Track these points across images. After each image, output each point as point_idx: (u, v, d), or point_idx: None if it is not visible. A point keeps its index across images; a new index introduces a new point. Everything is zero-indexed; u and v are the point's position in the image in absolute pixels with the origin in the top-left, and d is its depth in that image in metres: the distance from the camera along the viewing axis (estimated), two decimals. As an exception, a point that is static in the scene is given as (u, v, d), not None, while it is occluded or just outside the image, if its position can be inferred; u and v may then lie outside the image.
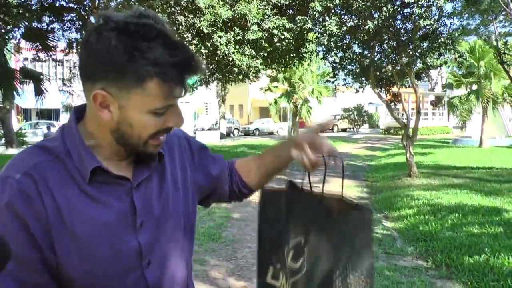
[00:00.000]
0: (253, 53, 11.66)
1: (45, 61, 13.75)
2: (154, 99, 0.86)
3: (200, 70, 0.89)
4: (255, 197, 1.18)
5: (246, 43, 11.49)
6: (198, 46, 11.32)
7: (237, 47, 11.28)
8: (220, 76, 13.89)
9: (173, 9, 10.68)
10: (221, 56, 11.52)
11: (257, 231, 1.11)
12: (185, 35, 11.03)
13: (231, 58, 11.18)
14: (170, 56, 0.83)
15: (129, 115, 0.87)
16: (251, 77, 14.51)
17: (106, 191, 0.92)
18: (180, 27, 10.84)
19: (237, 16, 10.81)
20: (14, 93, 12.42)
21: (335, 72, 11.61)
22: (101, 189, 0.91)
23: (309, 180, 1.05)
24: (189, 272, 1.09)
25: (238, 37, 11.10)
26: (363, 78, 11.58)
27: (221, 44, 10.73)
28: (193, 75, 0.89)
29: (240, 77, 13.55)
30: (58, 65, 14.22)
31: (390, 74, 11.01)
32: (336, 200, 0.99)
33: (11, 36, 13.03)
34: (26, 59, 14.08)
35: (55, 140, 0.94)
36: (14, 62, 16.27)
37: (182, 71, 0.86)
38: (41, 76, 12.90)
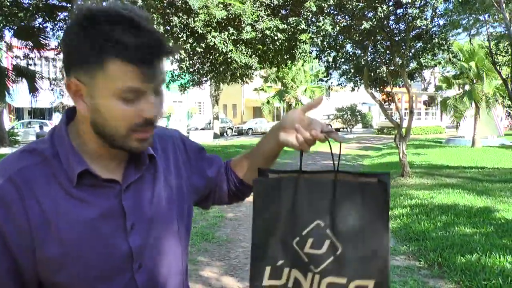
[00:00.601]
0: (249, 52, 11.66)
1: (35, 63, 13.66)
2: (117, 80, 0.82)
3: (170, 53, 0.86)
4: (249, 197, 1.16)
5: (241, 43, 11.49)
6: (193, 45, 11.29)
7: (233, 46, 11.28)
8: (215, 76, 13.88)
9: (167, 10, 10.65)
10: (216, 55, 11.51)
11: (252, 228, 1.00)
12: (179, 35, 11.00)
13: (228, 56, 11.16)
14: (135, 37, 0.81)
15: (98, 102, 0.85)
16: (244, 79, 14.51)
17: (94, 194, 0.90)
18: (175, 28, 10.82)
19: (231, 17, 10.80)
20: (6, 92, 12.31)
21: (328, 72, 11.64)
22: (89, 192, 0.89)
23: (300, 160, 1.01)
24: (184, 275, 1.06)
25: (233, 37, 11.09)
26: (357, 78, 11.62)
27: (219, 43, 10.71)
28: (162, 57, 0.85)
29: (238, 74, 13.54)
30: (51, 63, 14.13)
31: (384, 74, 11.06)
32: (335, 175, 0.96)
33: (3, 35, 12.93)
34: (17, 56, 13.96)
35: (44, 142, 0.93)
36: (6, 60, 16.16)
37: (148, 52, 0.82)
38: (36, 73, 12.82)
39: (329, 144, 0.98)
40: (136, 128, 0.87)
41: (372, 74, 11.07)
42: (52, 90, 15.79)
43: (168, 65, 14.81)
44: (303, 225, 0.94)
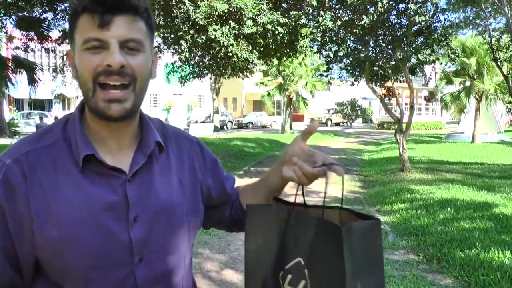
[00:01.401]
0: (250, 47, 11.61)
1: (34, 51, 13.65)
2: (83, 32, 0.88)
3: (130, 6, 0.88)
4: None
5: (242, 37, 11.44)
6: (194, 36, 11.24)
7: (234, 40, 11.22)
8: (215, 69, 13.84)
9: (168, 1, 10.59)
10: (217, 49, 11.46)
11: (244, 255, 0.99)
12: (181, 27, 10.95)
13: (229, 50, 11.11)
14: None
15: (76, 61, 0.90)
16: (245, 73, 14.47)
17: (98, 181, 0.90)
18: (176, 20, 10.76)
19: (233, 10, 10.73)
20: (8, 82, 12.30)
21: (329, 66, 11.61)
22: (94, 179, 0.90)
23: (303, 194, 0.97)
24: (189, 270, 1.06)
25: (234, 31, 11.04)
26: (358, 72, 11.60)
27: (221, 35, 10.65)
28: (120, 8, 0.87)
29: (238, 68, 13.50)
30: (51, 51, 14.09)
31: (385, 68, 11.04)
32: (340, 212, 0.93)
33: (2, 25, 12.89)
34: (17, 47, 13.93)
35: (59, 126, 0.95)
36: (6, 51, 16.12)
37: (103, 1, 0.86)
38: (34, 66, 12.80)
39: (326, 178, 0.91)
40: (100, 79, 0.87)
41: (377, 69, 11.02)
42: (54, 78, 15.80)
43: (168, 58, 14.75)
44: (287, 259, 0.91)
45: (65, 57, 15.34)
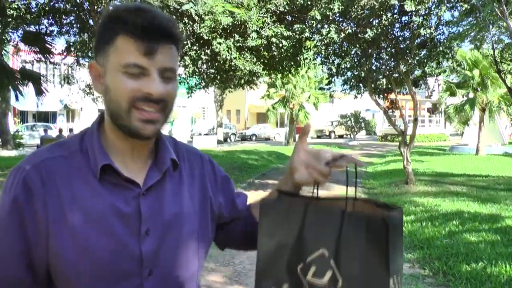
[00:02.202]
0: (254, 59, 11.67)
1: (45, 62, 13.79)
2: (122, 54, 0.89)
3: (173, 36, 0.92)
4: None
5: (246, 50, 11.51)
6: (199, 51, 11.32)
7: (238, 53, 11.29)
8: (220, 82, 13.90)
9: (174, 16, 10.68)
10: (221, 62, 11.52)
11: (258, 246, 0.98)
12: (185, 42, 11.03)
13: (232, 63, 11.18)
14: (141, 17, 0.88)
15: (108, 78, 0.91)
16: (251, 85, 14.53)
17: (113, 193, 0.92)
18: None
19: (237, 23, 10.81)
20: (18, 94, 12.37)
21: (331, 80, 11.64)
22: (109, 190, 0.92)
23: (317, 189, 0.97)
24: (197, 284, 1.06)
25: (238, 44, 11.11)
26: (361, 85, 11.62)
27: (223, 50, 10.73)
28: (164, 38, 0.90)
29: (242, 81, 13.57)
30: (55, 68, 14.24)
31: (383, 86, 11.08)
32: (363, 203, 0.93)
33: (9, 38, 13.02)
34: (26, 61, 14.07)
35: (76, 138, 0.98)
36: (12, 63, 16.25)
37: (148, 29, 0.88)
38: (41, 77, 12.88)
39: (346, 171, 0.94)
40: (137, 104, 0.90)
41: (373, 85, 11.04)
42: (62, 86, 15.91)
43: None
44: (308, 252, 0.92)
45: (69, 69, 15.48)
